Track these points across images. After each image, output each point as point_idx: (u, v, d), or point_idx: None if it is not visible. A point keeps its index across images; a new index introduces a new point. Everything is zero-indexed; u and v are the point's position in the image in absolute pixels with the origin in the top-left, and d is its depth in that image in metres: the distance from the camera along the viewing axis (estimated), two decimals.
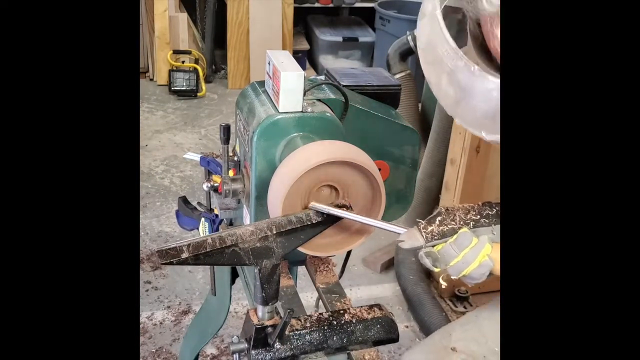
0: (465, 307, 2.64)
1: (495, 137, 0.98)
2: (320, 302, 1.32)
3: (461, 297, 2.67)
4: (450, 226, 1.08)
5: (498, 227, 1.10)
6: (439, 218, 1.09)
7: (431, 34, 1.02)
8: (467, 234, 1.06)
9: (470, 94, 0.98)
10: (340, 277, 1.37)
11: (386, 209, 1.14)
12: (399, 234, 1.08)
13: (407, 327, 2.64)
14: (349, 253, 1.34)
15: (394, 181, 1.31)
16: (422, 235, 1.07)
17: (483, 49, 1.04)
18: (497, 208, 1.12)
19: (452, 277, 1.09)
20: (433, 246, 1.08)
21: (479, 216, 1.09)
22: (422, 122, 3.25)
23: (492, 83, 0.94)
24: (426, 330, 2.50)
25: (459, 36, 1.01)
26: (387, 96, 1.34)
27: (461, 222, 1.09)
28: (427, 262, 1.06)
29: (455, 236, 1.07)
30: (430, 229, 1.08)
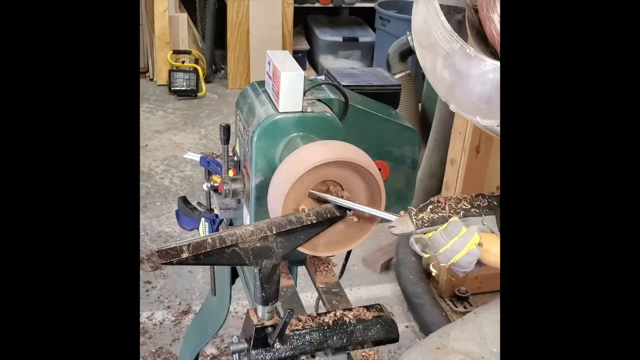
0: (465, 307, 2.64)
1: (491, 122, 0.98)
2: (320, 302, 1.32)
3: (461, 297, 2.67)
4: (440, 214, 1.09)
5: (488, 217, 1.11)
6: (430, 206, 1.10)
7: (426, 17, 1.01)
8: (457, 223, 1.07)
9: (465, 77, 0.97)
10: (340, 277, 1.37)
11: (386, 209, 1.14)
12: (391, 220, 1.09)
13: (407, 327, 2.64)
14: (348, 253, 1.34)
15: (394, 181, 1.31)
16: (413, 222, 1.08)
17: (480, 36, 1.04)
18: (489, 200, 1.12)
19: (442, 265, 1.10)
20: (424, 233, 1.09)
21: (469, 206, 1.11)
22: (422, 122, 3.25)
23: (488, 65, 0.93)
24: (426, 330, 2.50)
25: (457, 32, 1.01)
26: (387, 96, 1.34)
27: (452, 211, 1.10)
28: (417, 248, 1.08)
29: (445, 224, 1.08)
30: (421, 216, 1.09)
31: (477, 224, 1.10)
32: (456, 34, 0.96)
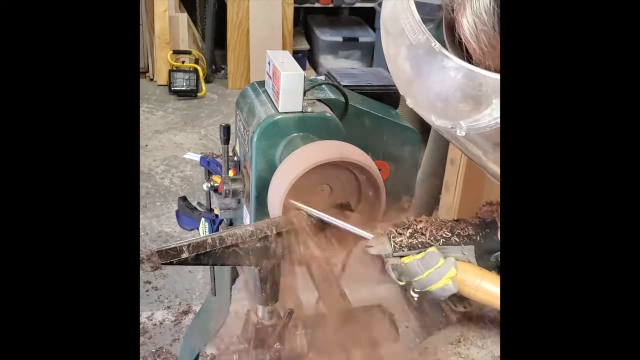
0: (465, 307, 2.63)
1: (445, 123, 0.94)
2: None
3: (461, 297, 2.66)
4: (420, 239, 1.09)
5: (468, 247, 1.11)
6: (409, 230, 1.10)
7: (397, 4, 0.97)
8: (434, 254, 1.07)
9: (426, 72, 0.93)
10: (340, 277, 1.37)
11: (386, 210, 1.13)
12: (367, 239, 1.08)
13: (407, 327, 2.64)
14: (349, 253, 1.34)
15: (394, 181, 1.31)
16: (391, 244, 1.08)
17: (453, 35, 1.01)
18: (470, 230, 1.12)
19: (415, 290, 1.10)
20: (400, 256, 1.09)
21: (450, 234, 1.10)
22: (422, 122, 3.24)
23: (451, 62, 0.89)
24: (426, 330, 2.50)
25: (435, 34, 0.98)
26: (387, 96, 1.34)
27: (431, 238, 1.09)
28: (393, 275, 1.09)
29: (423, 254, 1.07)
30: (399, 239, 1.09)
31: (457, 253, 1.10)
32: (424, 26, 0.92)
